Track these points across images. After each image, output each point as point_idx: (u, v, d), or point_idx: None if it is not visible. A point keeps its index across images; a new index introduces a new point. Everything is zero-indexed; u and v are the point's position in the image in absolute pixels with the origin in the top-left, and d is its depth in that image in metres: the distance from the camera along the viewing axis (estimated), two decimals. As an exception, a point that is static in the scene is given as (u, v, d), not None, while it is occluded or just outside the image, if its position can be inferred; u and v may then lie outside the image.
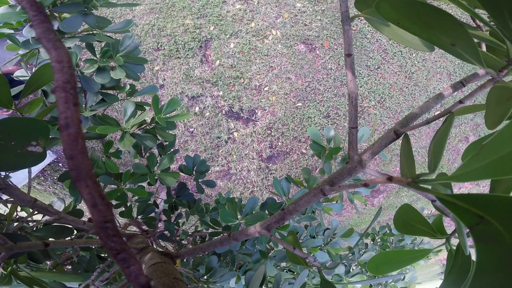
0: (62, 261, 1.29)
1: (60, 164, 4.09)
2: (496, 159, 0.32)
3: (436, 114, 0.42)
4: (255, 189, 4.27)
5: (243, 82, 3.88)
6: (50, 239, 0.93)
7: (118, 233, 0.27)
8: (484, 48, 0.51)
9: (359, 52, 4.08)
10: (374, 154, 0.44)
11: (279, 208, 1.30)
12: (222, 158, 4.07)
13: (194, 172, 1.51)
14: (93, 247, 1.16)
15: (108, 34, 1.14)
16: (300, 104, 4.00)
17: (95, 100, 1.17)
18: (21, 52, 1.08)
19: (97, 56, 1.16)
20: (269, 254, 1.47)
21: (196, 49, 3.82)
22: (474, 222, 0.32)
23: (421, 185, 0.38)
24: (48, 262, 1.16)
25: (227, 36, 3.85)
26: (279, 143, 4.06)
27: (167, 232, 1.43)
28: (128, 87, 1.24)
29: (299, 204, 0.48)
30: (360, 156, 0.45)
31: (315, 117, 4.03)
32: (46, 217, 0.95)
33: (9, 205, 0.92)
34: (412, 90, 4.20)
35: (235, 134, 3.99)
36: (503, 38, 0.39)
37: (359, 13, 0.52)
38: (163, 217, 1.47)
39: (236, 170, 4.13)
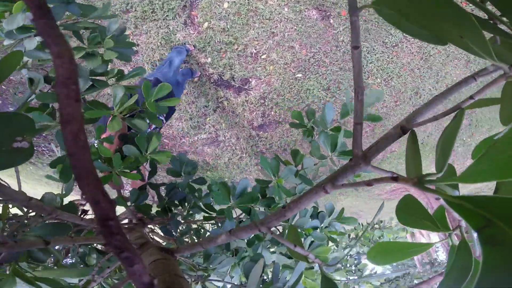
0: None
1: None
2: (503, 160, 0.31)
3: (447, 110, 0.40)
4: (244, 155, 4.04)
5: (237, 49, 3.40)
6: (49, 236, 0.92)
7: (121, 231, 0.27)
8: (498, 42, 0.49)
9: (379, 27, 3.62)
10: (379, 151, 0.43)
11: (268, 185, 1.27)
12: (209, 126, 3.79)
13: (182, 173, 1.45)
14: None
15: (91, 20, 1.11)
16: (300, 75, 3.65)
17: (84, 86, 1.14)
18: (5, 43, 1.04)
19: (85, 43, 1.12)
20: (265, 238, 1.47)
21: (178, 9, 3.18)
22: (482, 225, 0.32)
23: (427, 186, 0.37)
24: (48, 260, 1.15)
25: (220, -7, 3.26)
26: (272, 113, 3.80)
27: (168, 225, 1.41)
28: (115, 71, 1.21)
29: (300, 202, 0.47)
30: (364, 152, 0.44)
31: (314, 89, 3.73)
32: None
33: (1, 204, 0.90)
34: (423, 72, 3.94)
35: (225, 103, 3.67)
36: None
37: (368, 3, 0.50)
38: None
39: (225, 137, 3.88)
